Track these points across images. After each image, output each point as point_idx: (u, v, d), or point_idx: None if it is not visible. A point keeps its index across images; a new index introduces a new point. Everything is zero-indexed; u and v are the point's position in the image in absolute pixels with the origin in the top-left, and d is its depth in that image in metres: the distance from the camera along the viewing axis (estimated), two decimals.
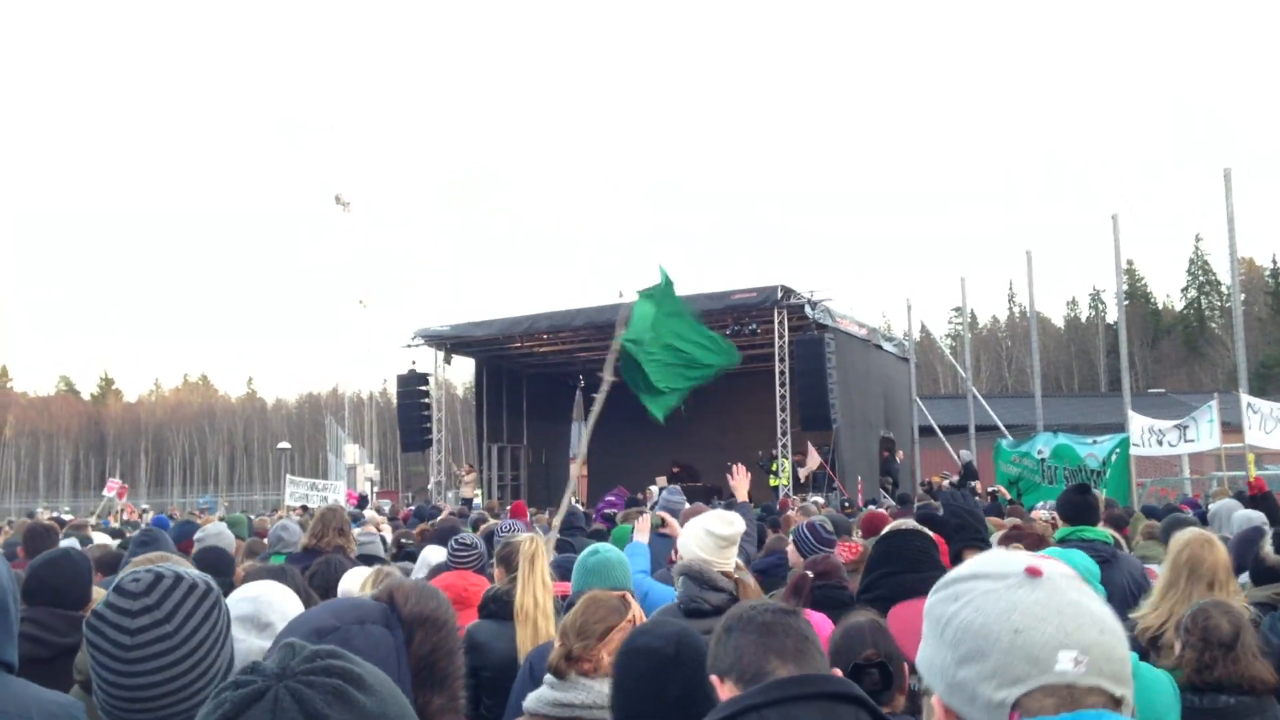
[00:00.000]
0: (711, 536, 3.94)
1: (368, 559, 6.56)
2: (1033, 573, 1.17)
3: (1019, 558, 1.21)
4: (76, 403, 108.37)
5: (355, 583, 4.57)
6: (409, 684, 1.79)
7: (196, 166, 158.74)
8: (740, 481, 6.64)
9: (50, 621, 3.65)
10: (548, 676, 2.95)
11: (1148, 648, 3.63)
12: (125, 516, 22.36)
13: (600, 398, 6.72)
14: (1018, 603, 1.14)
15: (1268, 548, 4.92)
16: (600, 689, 2.76)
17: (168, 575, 1.72)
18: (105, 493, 27.76)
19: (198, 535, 6.69)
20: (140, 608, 1.67)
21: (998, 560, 1.22)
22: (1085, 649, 1.10)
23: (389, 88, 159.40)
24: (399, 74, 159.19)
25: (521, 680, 3.64)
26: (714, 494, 19.20)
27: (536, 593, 4.11)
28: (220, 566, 5.35)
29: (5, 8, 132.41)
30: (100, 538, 9.26)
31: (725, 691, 1.84)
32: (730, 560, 3.97)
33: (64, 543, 6.49)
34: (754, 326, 21.27)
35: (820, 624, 3.30)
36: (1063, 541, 5.82)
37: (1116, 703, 1.11)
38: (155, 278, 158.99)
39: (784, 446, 20.55)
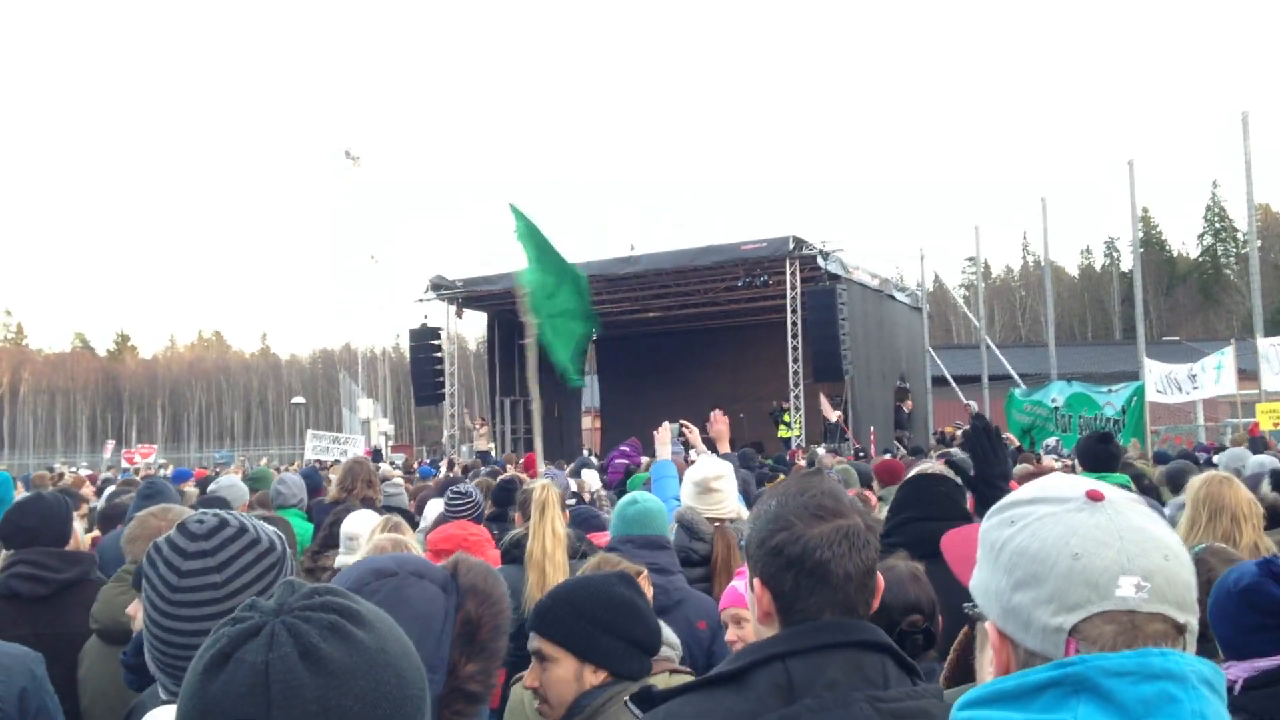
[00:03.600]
0: (691, 484, 3.96)
1: (393, 509, 6.58)
2: (1094, 496, 1.14)
3: (1080, 482, 1.17)
4: (92, 359, 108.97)
5: (360, 524, 4.62)
6: (449, 642, 1.84)
7: (209, 123, 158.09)
8: (719, 429, 6.08)
9: (45, 560, 3.69)
10: None
11: None
12: (144, 474, 22.59)
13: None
14: (1077, 526, 1.10)
15: (1265, 487, 4.91)
16: None
17: (232, 524, 1.71)
18: (104, 454, 28.37)
19: (210, 487, 6.74)
20: (195, 550, 1.66)
21: (1057, 484, 1.18)
22: (1148, 575, 1.07)
23: (399, 41, 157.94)
24: (408, 26, 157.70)
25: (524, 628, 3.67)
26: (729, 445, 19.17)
27: (546, 540, 4.12)
28: None
29: None
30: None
31: (761, 597, 1.75)
32: (718, 505, 3.94)
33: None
34: (765, 278, 21.18)
35: None
36: None
37: (1179, 629, 1.08)
38: (170, 235, 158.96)
39: (796, 398, 20.55)
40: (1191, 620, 1.10)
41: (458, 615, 1.79)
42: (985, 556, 1.18)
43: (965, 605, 1.25)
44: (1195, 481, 4.23)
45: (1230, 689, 2.71)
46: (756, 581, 1.76)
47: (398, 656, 1.06)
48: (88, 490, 10.15)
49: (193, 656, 1.60)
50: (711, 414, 6.19)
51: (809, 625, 1.69)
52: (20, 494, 6.53)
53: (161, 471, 19.13)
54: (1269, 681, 2.70)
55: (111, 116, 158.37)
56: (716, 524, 3.87)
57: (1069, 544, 1.09)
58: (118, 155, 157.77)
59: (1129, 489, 5.76)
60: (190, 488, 8.14)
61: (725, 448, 6.10)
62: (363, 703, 1.01)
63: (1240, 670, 2.72)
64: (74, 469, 21.84)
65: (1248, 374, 15.51)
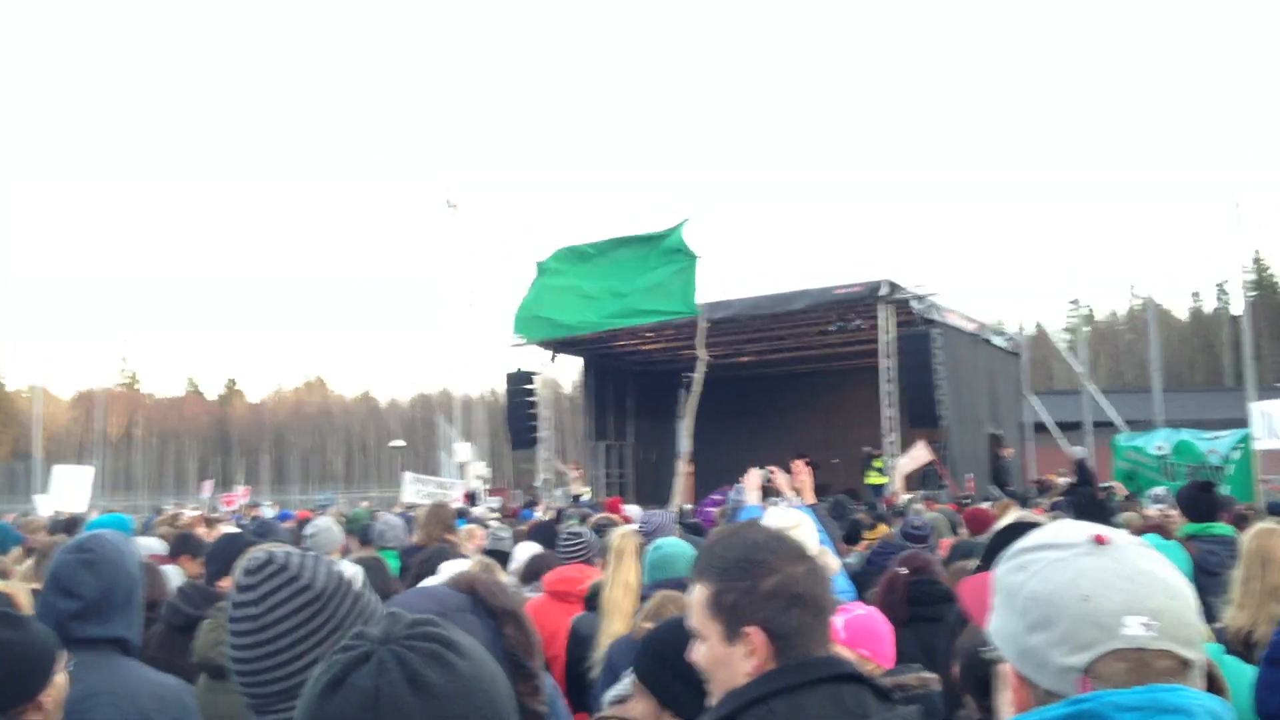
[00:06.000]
0: None
1: (497, 554, 6.53)
2: (1100, 541, 1.19)
3: (1086, 527, 1.23)
4: (203, 403, 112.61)
5: (452, 570, 4.73)
6: (507, 672, 1.91)
7: (314, 176, 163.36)
8: (801, 481, 5.72)
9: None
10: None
11: (1242, 649, 3.55)
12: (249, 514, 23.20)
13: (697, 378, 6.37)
14: (1085, 570, 1.16)
15: None
16: None
17: (276, 561, 1.77)
18: (201, 495, 29.16)
19: (307, 530, 6.87)
20: (246, 584, 1.76)
21: (1065, 530, 1.24)
22: (1155, 614, 1.12)
23: (495, 88, 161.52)
24: (507, 74, 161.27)
25: (603, 675, 3.71)
26: (822, 491, 19.02)
27: (617, 589, 4.19)
28: None
29: None
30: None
31: (759, 643, 1.78)
32: None
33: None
34: (858, 322, 21.03)
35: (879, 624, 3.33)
36: (1190, 538, 5.72)
37: (1185, 665, 1.13)
38: (275, 284, 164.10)
39: (891, 444, 20.28)
40: (1197, 657, 1.15)
41: (503, 644, 1.86)
42: (1000, 602, 1.24)
43: (981, 649, 1.30)
44: (1246, 536, 4.14)
45: None
46: (753, 630, 1.78)
47: (491, 682, 1.18)
48: (202, 531, 10.50)
49: (253, 686, 1.69)
50: (793, 464, 5.98)
51: (789, 665, 1.74)
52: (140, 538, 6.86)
53: (267, 512, 19.68)
54: None
55: (217, 173, 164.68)
56: None
57: (1078, 587, 1.15)
58: (220, 210, 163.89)
59: (1231, 539, 5.62)
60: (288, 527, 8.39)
61: (810, 498, 5.85)
62: None
63: None
64: (187, 510, 22.58)
65: None
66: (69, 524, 9.51)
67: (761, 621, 1.78)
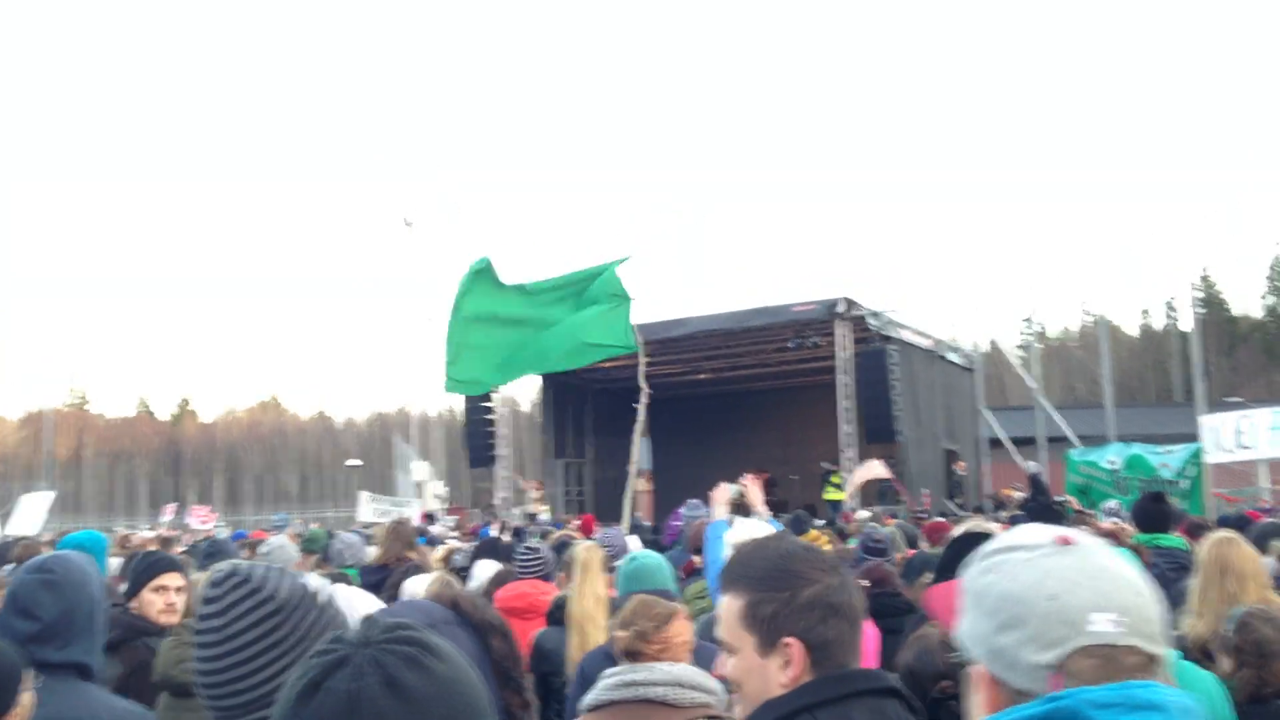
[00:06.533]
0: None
1: (457, 572, 6.57)
2: (1064, 541, 1.22)
3: (1051, 530, 1.26)
4: (154, 424, 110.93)
5: (419, 586, 4.71)
6: (494, 685, 1.90)
7: (269, 191, 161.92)
8: (752, 494, 5.63)
9: None
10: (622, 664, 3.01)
11: (1201, 658, 3.60)
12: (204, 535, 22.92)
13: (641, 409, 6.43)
14: (1051, 569, 1.19)
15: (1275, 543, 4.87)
16: (669, 670, 2.80)
17: (240, 574, 1.78)
18: (163, 517, 28.96)
19: (261, 550, 6.77)
20: (209, 596, 1.76)
21: (1030, 533, 1.27)
22: (1122, 610, 1.16)
23: (454, 109, 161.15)
24: (463, 96, 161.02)
25: (575, 688, 3.71)
26: (781, 508, 19.16)
27: (586, 601, 4.20)
28: None
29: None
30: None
31: (797, 655, 1.76)
32: None
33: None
34: (815, 339, 21.19)
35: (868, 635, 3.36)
36: (1138, 549, 5.80)
37: (1152, 660, 1.16)
38: (230, 301, 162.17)
39: (849, 460, 20.41)
40: (1163, 652, 1.18)
41: (491, 656, 1.85)
42: (969, 604, 1.27)
43: (951, 655, 1.33)
44: (1202, 546, 4.23)
45: None
46: (791, 641, 1.76)
47: (469, 686, 1.17)
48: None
49: (216, 699, 1.69)
50: (746, 477, 5.99)
51: (831, 676, 1.74)
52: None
53: (221, 533, 19.43)
54: None
55: (168, 188, 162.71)
56: None
57: (1045, 585, 1.18)
58: (181, 225, 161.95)
59: (1185, 551, 5.70)
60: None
61: (759, 509, 6.00)
62: None
63: None
64: (137, 531, 22.25)
65: None
66: (12, 546, 9.32)
67: (800, 632, 1.77)
